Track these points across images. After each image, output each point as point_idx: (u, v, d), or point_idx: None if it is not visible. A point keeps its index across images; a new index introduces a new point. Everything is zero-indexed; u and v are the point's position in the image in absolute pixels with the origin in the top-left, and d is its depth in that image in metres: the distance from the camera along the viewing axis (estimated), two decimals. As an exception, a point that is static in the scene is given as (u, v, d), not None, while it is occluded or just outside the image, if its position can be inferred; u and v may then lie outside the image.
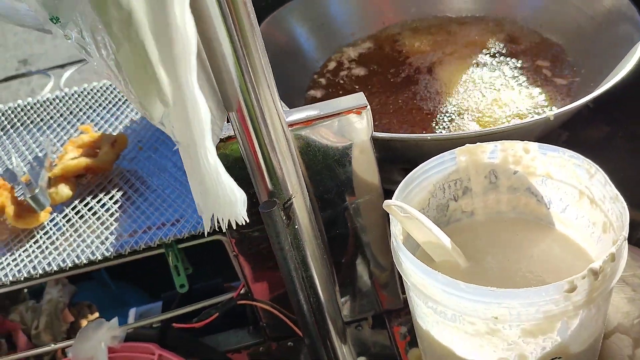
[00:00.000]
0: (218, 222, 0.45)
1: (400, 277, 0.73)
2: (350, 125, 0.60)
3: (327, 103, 0.61)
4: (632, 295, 0.59)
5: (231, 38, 0.46)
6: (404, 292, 0.76)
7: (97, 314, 1.01)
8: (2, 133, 1.00)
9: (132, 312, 0.96)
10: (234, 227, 0.45)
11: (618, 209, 0.50)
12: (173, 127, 0.40)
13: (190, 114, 0.37)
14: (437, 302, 0.48)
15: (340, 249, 0.71)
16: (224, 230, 0.46)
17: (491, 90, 0.80)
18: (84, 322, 0.99)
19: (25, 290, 1.02)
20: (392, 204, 0.51)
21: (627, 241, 0.48)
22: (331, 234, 0.68)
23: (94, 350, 0.71)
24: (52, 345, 0.78)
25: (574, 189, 0.56)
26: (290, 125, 0.59)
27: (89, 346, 0.71)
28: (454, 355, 0.52)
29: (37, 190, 0.74)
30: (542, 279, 0.54)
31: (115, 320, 0.72)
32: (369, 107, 0.59)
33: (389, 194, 0.63)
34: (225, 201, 0.42)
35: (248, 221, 0.45)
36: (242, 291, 0.73)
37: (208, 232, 0.66)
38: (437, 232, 0.54)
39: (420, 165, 0.58)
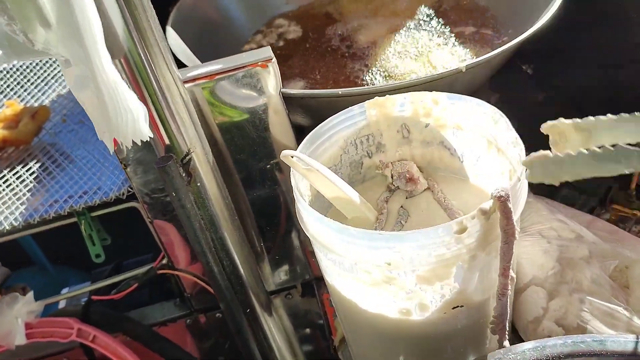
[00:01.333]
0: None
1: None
2: (257, 79, 0.58)
3: (232, 57, 0.59)
4: (546, 247, 0.58)
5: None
6: (333, 259, 0.75)
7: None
8: None
9: (65, 292, 0.93)
10: (139, 145, 0.43)
11: (517, 152, 0.48)
12: (59, 47, 0.37)
13: (81, 27, 0.35)
14: (334, 251, 0.47)
15: (265, 213, 0.69)
16: (129, 147, 0.44)
17: (419, 52, 0.78)
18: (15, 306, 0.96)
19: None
20: (289, 154, 0.50)
21: (525, 182, 0.47)
22: (251, 196, 0.66)
23: (10, 325, 0.68)
24: (-32, 322, 0.75)
25: (482, 139, 0.55)
26: (194, 79, 0.57)
27: (4, 321, 0.68)
28: (357, 308, 0.50)
29: (-55, 161, 0.71)
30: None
31: (30, 294, 0.70)
32: (274, 59, 0.57)
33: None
34: (127, 118, 0.40)
35: (152, 136, 0.44)
36: (163, 261, 0.71)
37: (121, 199, 0.64)
38: (342, 185, 0.53)
39: (329, 119, 0.56)
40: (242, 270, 0.64)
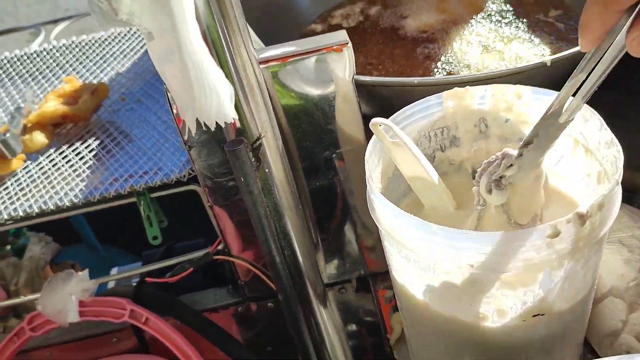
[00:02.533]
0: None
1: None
2: (330, 63, 0.56)
3: (307, 40, 0.57)
4: (628, 257, 0.55)
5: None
6: (391, 254, 0.72)
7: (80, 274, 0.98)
8: (-14, 84, 0.97)
9: (114, 271, 0.93)
10: (223, 126, 0.41)
11: (613, 153, 0.45)
12: (142, 18, 0.36)
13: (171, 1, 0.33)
14: (410, 248, 0.44)
15: (323, 204, 0.67)
16: (212, 129, 0.41)
17: (496, 45, 0.75)
18: (65, 281, 0.96)
19: (8, 247, 1.00)
20: (380, 122, 0.47)
21: (620, 186, 0.43)
22: (312, 186, 0.64)
23: (63, 302, 0.68)
24: (22, 297, 0.75)
25: (568, 138, 0.52)
26: (265, 61, 0.55)
27: (57, 298, 0.68)
28: (427, 309, 0.48)
29: (7, 135, 0.71)
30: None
31: (85, 272, 0.69)
32: (350, 44, 0.55)
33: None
34: (212, 98, 0.38)
35: (237, 118, 0.42)
36: (219, 247, 0.70)
37: (182, 181, 0.63)
38: (426, 164, 0.50)
39: (404, 109, 0.53)
40: (301, 261, 0.62)
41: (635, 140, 0.80)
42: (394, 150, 0.47)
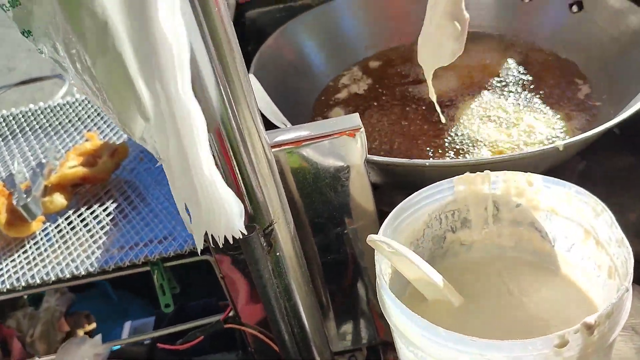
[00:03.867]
0: (213, 239, 0.41)
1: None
2: (343, 147, 0.56)
3: (320, 123, 0.58)
4: (641, 346, 0.54)
5: (210, 58, 0.43)
6: (402, 323, 0.72)
7: (94, 325, 0.99)
8: (10, 137, 0.99)
9: (127, 326, 0.94)
10: (231, 242, 0.42)
11: (623, 254, 0.45)
12: (155, 142, 0.37)
13: (179, 125, 0.34)
14: (418, 347, 0.44)
15: (335, 275, 0.68)
16: (220, 246, 0.43)
17: (505, 116, 0.75)
18: (80, 333, 0.97)
19: (25, 296, 1.01)
20: (376, 240, 0.48)
21: (630, 291, 0.43)
22: (325, 259, 0.65)
23: (76, 366, 0.69)
24: (36, 358, 0.76)
25: (579, 227, 0.52)
26: (279, 145, 0.56)
27: (71, 362, 0.69)
28: (435, 405, 0.48)
29: (29, 200, 0.73)
30: (540, 327, 0.50)
31: (98, 337, 0.70)
32: (362, 129, 0.56)
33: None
34: (220, 215, 0.39)
35: (246, 233, 0.43)
36: (230, 314, 0.70)
37: (195, 252, 0.64)
38: (427, 270, 0.50)
39: (414, 194, 0.54)
40: (310, 335, 0.62)
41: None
42: (396, 260, 0.48)
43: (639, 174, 0.84)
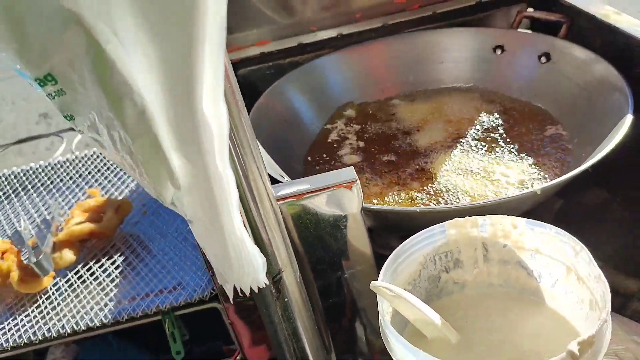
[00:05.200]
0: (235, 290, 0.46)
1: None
2: (341, 198, 0.61)
3: (318, 177, 0.62)
4: (624, 372, 0.58)
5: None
6: (401, 361, 0.76)
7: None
8: (13, 196, 1.03)
9: (132, 375, 0.96)
10: (256, 292, 0.46)
11: (601, 288, 0.50)
12: (185, 207, 0.41)
13: (216, 193, 0.39)
14: (423, 381, 0.48)
15: (336, 316, 0.72)
16: (247, 295, 0.47)
17: (482, 166, 0.81)
18: (85, 384, 0.99)
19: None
20: (379, 285, 0.52)
21: (609, 322, 0.48)
22: (326, 303, 0.69)
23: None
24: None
25: (561, 265, 0.57)
26: (282, 199, 0.60)
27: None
28: None
29: (41, 257, 0.76)
30: (532, 356, 0.54)
31: (111, 386, 0.72)
32: (358, 181, 0.61)
33: (384, 261, 0.64)
34: (249, 269, 0.43)
35: (268, 283, 0.47)
36: (237, 358, 0.74)
37: (203, 300, 0.68)
38: (426, 310, 0.55)
39: (410, 239, 0.59)
40: (317, 376, 0.66)
41: (626, 241, 0.85)
42: (396, 302, 0.53)
43: (612, 208, 0.90)
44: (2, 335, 0.72)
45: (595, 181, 0.92)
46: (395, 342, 0.50)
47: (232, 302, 0.51)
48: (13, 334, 0.72)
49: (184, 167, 0.36)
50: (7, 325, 0.74)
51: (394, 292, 0.53)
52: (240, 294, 0.44)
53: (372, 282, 0.52)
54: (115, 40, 0.29)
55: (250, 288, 0.47)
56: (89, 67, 0.32)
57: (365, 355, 0.76)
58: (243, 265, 0.42)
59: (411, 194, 0.78)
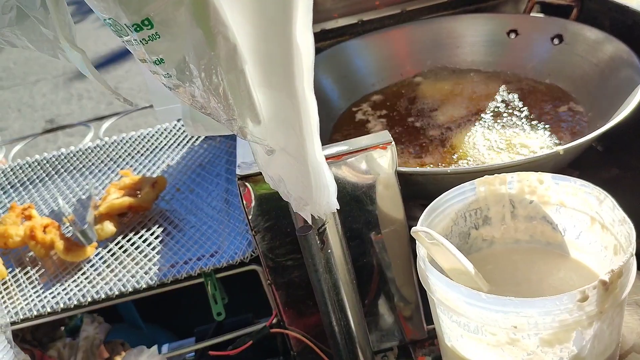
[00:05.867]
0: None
1: (424, 308, 0.77)
2: (377, 159, 0.65)
3: (356, 140, 0.67)
4: (645, 317, 0.62)
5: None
6: (428, 324, 0.80)
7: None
8: (47, 179, 1.07)
9: (165, 348, 1.00)
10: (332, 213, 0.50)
11: (626, 230, 0.54)
12: (267, 139, 0.45)
13: (303, 117, 0.43)
14: (461, 314, 0.52)
15: (366, 279, 0.76)
16: (324, 219, 0.51)
17: (502, 139, 0.85)
18: (117, 359, 1.02)
19: (63, 328, 1.07)
20: (419, 230, 0.56)
21: (634, 258, 0.52)
22: (358, 263, 0.73)
23: (135, 376, 0.75)
24: (95, 371, 0.82)
25: (585, 216, 0.61)
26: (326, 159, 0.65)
27: (130, 372, 0.75)
28: (477, 367, 0.55)
29: (85, 226, 0.80)
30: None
31: (155, 347, 0.76)
32: (393, 143, 0.65)
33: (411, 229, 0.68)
34: (325, 192, 0.47)
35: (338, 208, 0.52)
36: (274, 321, 0.77)
37: (244, 263, 0.72)
38: (461, 258, 0.59)
39: (443, 195, 0.63)
40: (354, 330, 0.69)
41: (637, 214, 0.89)
42: (433, 249, 0.57)
43: (623, 183, 0.95)
44: (52, 298, 0.76)
45: (605, 158, 0.96)
46: (435, 280, 0.54)
47: (311, 225, 0.54)
48: (62, 297, 0.76)
49: (269, 99, 0.40)
50: (56, 290, 0.78)
51: (433, 239, 0.57)
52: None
53: (412, 227, 0.56)
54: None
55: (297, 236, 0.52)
56: (190, 8, 0.36)
57: (394, 319, 0.79)
58: (320, 188, 0.46)
59: (436, 164, 0.82)
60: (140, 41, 0.40)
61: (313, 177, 0.45)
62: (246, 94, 0.40)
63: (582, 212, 0.61)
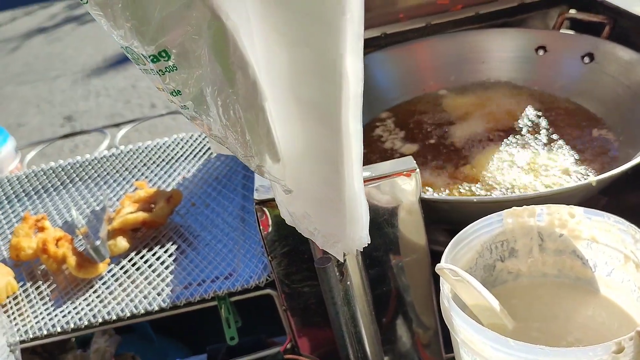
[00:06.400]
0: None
1: (443, 337, 0.75)
2: (400, 186, 0.63)
3: (379, 165, 0.64)
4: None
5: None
6: (446, 352, 0.77)
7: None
8: (62, 187, 1.06)
9: (180, 365, 0.98)
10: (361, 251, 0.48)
11: (664, 273, 0.51)
12: (285, 178, 0.43)
13: (344, 150, 0.41)
14: (486, 358, 0.50)
15: (384, 307, 0.73)
16: (354, 255, 0.49)
17: (527, 160, 0.82)
18: (128, 373, 1.01)
19: (73, 339, 1.05)
20: (444, 268, 0.54)
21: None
22: (377, 291, 0.71)
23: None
24: (103, 393, 0.80)
25: (619, 253, 0.58)
26: (344, 185, 0.62)
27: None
28: (502, 414, 0.53)
29: (98, 243, 0.78)
30: (587, 344, 0.55)
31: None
32: (418, 170, 0.62)
33: (433, 254, 0.65)
34: (356, 227, 0.46)
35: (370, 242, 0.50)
36: (288, 346, 0.75)
37: (259, 287, 0.70)
38: (487, 295, 0.56)
39: (469, 226, 0.60)
40: (371, 362, 0.67)
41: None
42: (458, 285, 0.54)
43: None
44: (63, 317, 0.75)
45: (632, 183, 0.93)
46: (460, 322, 0.51)
47: (343, 260, 0.52)
48: (73, 317, 0.74)
49: (305, 133, 0.38)
50: (67, 308, 0.76)
51: (457, 276, 0.54)
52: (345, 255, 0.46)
53: (437, 264, 0.53)
54: (235, 17, 0.32)
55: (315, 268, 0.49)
56: (209, 41, 0.34)
57: (412, 346, 0.77)
58: (354, 222, 0.43)
59: (457, 186, 0.79)
60: (157, 72, 0.38)
61: (348, 211, 0.43)
62: (265, 131, 0.38)
63: (616, 249, 0.58)
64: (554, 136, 0.86)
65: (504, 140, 0.87)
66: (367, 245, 0.66)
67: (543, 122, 0.90)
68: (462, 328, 0.52)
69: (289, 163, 0.40)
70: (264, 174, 0.41)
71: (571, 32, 1.01)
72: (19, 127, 3.21)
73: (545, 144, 0.85)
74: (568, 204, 0.60)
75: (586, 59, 0.93)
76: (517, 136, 0.88)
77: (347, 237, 0.45)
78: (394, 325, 0.75)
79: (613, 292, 0.60)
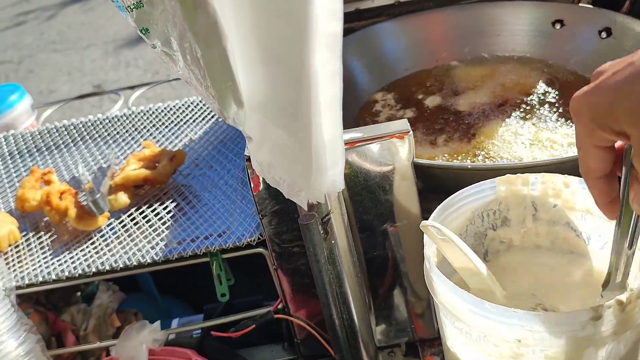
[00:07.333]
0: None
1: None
2: (393, 149, 0.62)
3: (371, 127, 0.63)
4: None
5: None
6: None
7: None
8: (72, 144, 1.07)
9: (175, 322, 1.00)
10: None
11: (655, 245, 0.49)
12: (245, 124, 0.42)
13: (312, 94, 0.40)
14: (463, 321, 0.49)
15: (377, 273, 0.73)
16: (323, 202, 0.48)
17: (533, 133, 0.80)
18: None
19: (79, 293, 1.07)
20: (429, 225, 0.53)
21: (659, 277, 0.48)
22: (369, 255, 0.70)
23: (136, 350, 0.74)
24: (98, 343, 0.82)
25: (614, 225, 0.56)
26: (336, 145, 0.61)
27: (131, 346, 0.74)
28: (478, 378, 0.52)
29: (97, 196, 0.79)
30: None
31: (157, 323, 0.75)
32: (411, 132, 0.61)
33: (427, 222, 0.64)
34: (326, 174, 0.44)
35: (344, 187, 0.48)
36: (279, 306, 0.76)
37: (250, 245, 0.70)
38: (474, 258, 0.55)
39: (460, 191, 0.59)
40: (357, 324, 0.67)
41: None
42: (443, 246, 0.53)
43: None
44: (59, 266, 0.76)
45: None
46: (439, 284, 0.50)
47: (306, 210, 0.51)
48: (69, 266, 0.75)
49: (268, 78, 0.37)
50: (64, 258, 0.77)
51: (443, 235, 0.53)
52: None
53: (422, 221, 0.52)
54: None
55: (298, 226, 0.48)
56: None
57: (405, 315, 0.76)
58: (322, 170, 0.42)
59: (458, 157, 0.78)
60: (126, 8, 0.38)
61: (315, 160, 0.42)
62: (227, 74, 0.37)
63: (610, 221, 0.56)
64: (563, 110, 0.84)
65: (512, 113, 0.85)
66: (356, 207, 0.66)
67: (554, 96, 0.87)
68: (440, 290, 0.51)
69: (251, 109, 0.40)
70: (227, 119, 0.40)
71: (590, 5, 0.98)
72: (50, 93, 3.27)
73: (552, 118, 0.83)
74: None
75: (603, 34, 0.90)
76: (525, 109, 0.86)
77: (312, 186, 0.44)
78: (388, 293, 0.75)
79: (606, 265, 0.58)
